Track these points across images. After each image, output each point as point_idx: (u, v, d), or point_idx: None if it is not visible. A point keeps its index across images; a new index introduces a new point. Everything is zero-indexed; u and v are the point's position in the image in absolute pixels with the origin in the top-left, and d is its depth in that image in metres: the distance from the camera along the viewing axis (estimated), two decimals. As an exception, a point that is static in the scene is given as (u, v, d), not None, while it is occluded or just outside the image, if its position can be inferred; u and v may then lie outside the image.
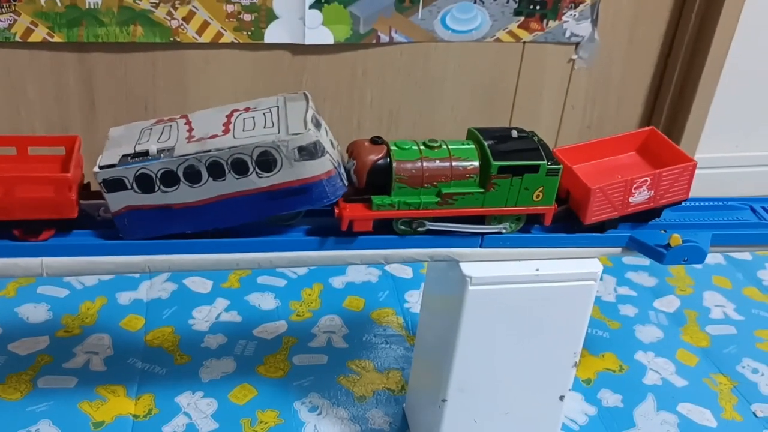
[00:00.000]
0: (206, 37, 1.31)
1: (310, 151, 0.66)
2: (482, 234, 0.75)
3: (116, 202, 0.68)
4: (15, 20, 1.23)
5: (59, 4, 1.22)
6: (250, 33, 1.32)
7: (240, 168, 0.67)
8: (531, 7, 1.42)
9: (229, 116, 0.71)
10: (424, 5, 1.37)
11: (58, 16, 1.23)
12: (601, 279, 1.01)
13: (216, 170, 0.67)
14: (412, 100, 1.48)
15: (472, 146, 0.74)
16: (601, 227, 0.78)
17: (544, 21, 1.44)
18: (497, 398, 0.83)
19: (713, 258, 1.40)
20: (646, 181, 0.76)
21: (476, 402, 0.83)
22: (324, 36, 1.35)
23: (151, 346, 1.07)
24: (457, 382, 0.81)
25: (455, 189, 0.72)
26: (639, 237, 0.79)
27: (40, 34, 1.24)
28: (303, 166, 0.67)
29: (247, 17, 1.31)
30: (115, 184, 0.67)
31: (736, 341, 1.19)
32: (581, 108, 1.56)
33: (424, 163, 0.72)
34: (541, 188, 0.73)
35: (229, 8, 1.29)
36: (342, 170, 0.71)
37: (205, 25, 1.30)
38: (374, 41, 1.38)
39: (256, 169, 0.67)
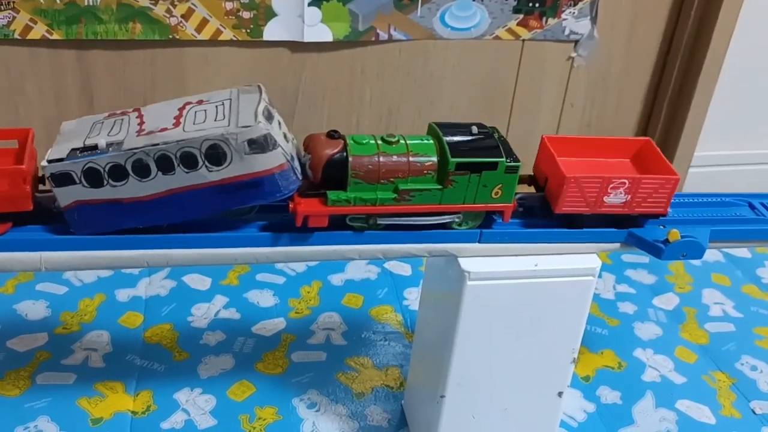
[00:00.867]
0: (205, 35, 1.31)
1: (261, 144, 0.65)
2: (436, 225, 0.75)
3: (65, 196, 0.67)
4: (14, 17, 1.23)
5: (58, 1, 1.22)
6: (249, 30, 1.32)
7: (189, 162, 0.66)
8: (530, 4, 1.42)
9: (181, 109, 0.70)
10: (423, 3, 1.36)
11: (57, 13, 1.23)
12: (600, 276, 1.01)
13: (165, 164, 0.66)
14: (412, 98, 1.48)
15: (431, 142, 0.73)
16: (571, 222, 0.77)
17: (544, 19, 1.44)
18: (496, 394, 0.83)
19: (712, 255, 1.40)
20: (624, 183, 0.75)
21: (475, 398, 0.83)
22: (323, 33, 1.35)
23: (149, 343, 1.07)
24: (456, 378, 0.81)
25: (412, 185, 0.71)
26: (637, 232, 0.79)
27: (39, 31, 1.24)
28: (254, 160, 0.66)
29: (246, 15, 1.31)
30: (63, 179, 0.66)
31: (735, 338, 1.19)
32: (580, 106, 1.56)
33: (381, 159, 0.71)
34: (500, 185, 0.72)
35: (228, 5, 1.29)
36: (296, 164, 0.70)
37: (204, 22, 1.30)
38: (373, 39, 1.38)
39: (206, 163, 0.66)
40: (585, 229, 0.78)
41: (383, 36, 1.38)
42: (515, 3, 1.41)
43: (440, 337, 0.82)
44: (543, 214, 0.78)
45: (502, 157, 0.71)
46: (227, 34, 1.32)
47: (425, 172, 0.72)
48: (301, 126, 1.44)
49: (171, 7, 1.27)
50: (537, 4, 1.42)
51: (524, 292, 0.77)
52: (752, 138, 1.69)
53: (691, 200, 0.87)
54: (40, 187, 0.71)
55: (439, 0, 1.37)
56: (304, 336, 1.11)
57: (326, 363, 1.06)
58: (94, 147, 0.66)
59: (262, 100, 0.68)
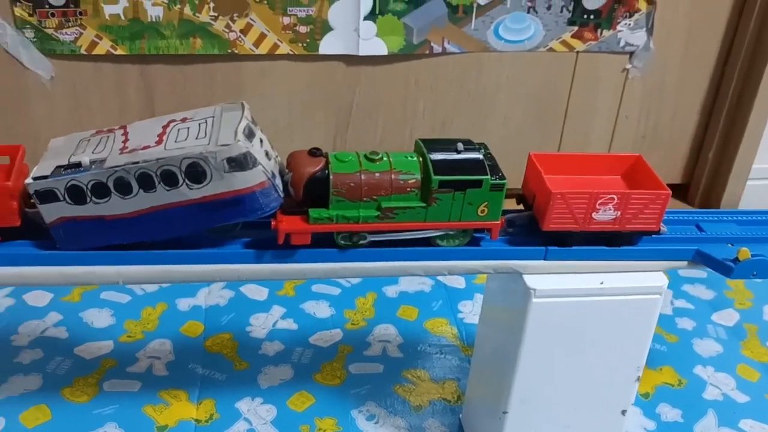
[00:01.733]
0: (263, 49, 1.34)
1: (240, 163, 0.66)
2: (428, 243, 0.74)
3: (50, 213, 0.69)
4: (81, 33, 1.27)
5: (123, 17, 1.26)
6: (305, 45, 1.34)
7: (169, 180, 0.66)
8: (585, 16, 1.41)
9: (165, 127, 0.70)
10: (478, 15, 1.37)
11: (121, 29, 1.27)
12: (661, 292, 1.00)
13: (146, 182, 0.67)
14: (464, 111, 1.48)
15: (415, 159, 0.73)
16: (561, 240, 0.76)
17: (599, 30, 1.43)
18: (558, 411, 0.83)
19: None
20: (613, 199, 0.73)
21: (537, 414, 0.83)
22: (378, 47, 1.37)
23: (210, 352, 1.09)
24: (519, 394, 0.81)
25: (396, 203, 0.71)
26: (706, 250, 0.78)
27: (104, 47, 1.29)
28: (234, 178, 0.66)
29: (303, 29, 1.33)
30: (47, 196, 0.68)
31: (799, 357, 1.16)
32: (635, 118, 1.54)
33: (363, 176, 0.70)
34: (486, 203, 0.72)
35: (286, 20, 1.32)
36: (278, 181, 0.70)
37: (262, 37, 1.32)
38: (427, 52, 1.39)
39: (186, 181, 0.66)
40: (652, 247, 0.77)
41: (437, 49, 1.39)
42: (570, 15, 1.40)
43: (503, 352, 0.82)
44: (531, 233, 0.77)
45: (486, 174, 0.71)
46: (284, 48, 1.34)
47: (408, 189, 0.71)
48: (355, 138, 1.46)
49: (230, 23, 1.30)
50: (592, 16, 1.41)
51: (590, 310, 0.76)
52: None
53: (757, 218, 0.86)
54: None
55: (493, 13, 1.37)
56: (360, 347, 1.12)
57: (383, 375, 1.07)
58: (78, 165, 0.68)
59: (243, 118, 0.68)
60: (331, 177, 0.70)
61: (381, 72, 1.41)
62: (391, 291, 1.25)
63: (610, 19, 1.42)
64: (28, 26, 1.25)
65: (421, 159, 0.72)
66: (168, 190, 0.67)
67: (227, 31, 1.31)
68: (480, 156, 0.72)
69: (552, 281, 0.75)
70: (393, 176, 0.71)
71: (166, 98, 1.36)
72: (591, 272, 0.76)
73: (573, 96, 1.50)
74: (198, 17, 1.28)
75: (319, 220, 0.70)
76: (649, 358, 1.12)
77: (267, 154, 0.70)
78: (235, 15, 1.29)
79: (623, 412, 0.84)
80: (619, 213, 0.74)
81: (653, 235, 0.78)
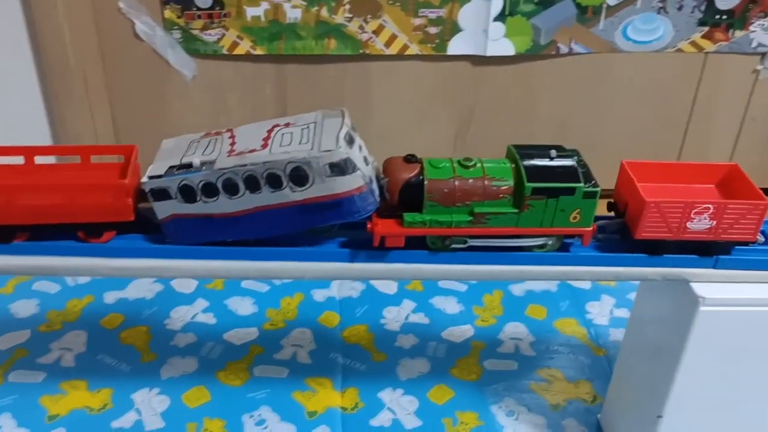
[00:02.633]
0: (393, 50, 1.37)
1: (341, 168, 0.68)
2: (521, 248, 0.74)
3: (162, 210, 0.72)
4: (223, 34, 1.33)
5: (263, 19, 1.32)
6: (434, 45, 1.37)
7: (274, 182, 0.69)
8: (717, 16, 1.39)
9: (269, 131, 0.73)
10: (607, 16, 1.37)
11: (261, 30, 1.33)
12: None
13: (252, 183, 0.70)
14: (586, 111, 1.48)
15: (508, 166, 0.73)
16: (654, 248, 0.75)
17: (730, 31, 1.40)
18: (717, 418, 0.84)
19: None
20: (708, 208, 0.72)
21: (694, 420, 0.83)
22: (505, 47, 1.38)
23: (349, 343, 1.14)
24: (676, 400, 0.82)
25: (488, 209, 0.72)
26: None
27: (244, 47, 1.35)
28: (334, 182, 0.68)
29: (433, 30, 1.36)
30: (161, 194, 0.71)
31: None
32: (763, 120, 1.51)
33: (457, 182, 0.71)
34: (578, 210, 0.71)
35: (417, 21, 1.35)
36: (374, 186, 0.72)
37: (393, 37, 1.36)
38: (553, 52, 1.40)
39: (290, 184, 0.69)
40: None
41: (563, 49, 1.40)
42: (701, 15, 1.38)
43: (660, 358, 0.83)
44: (623, 240, 0.77)
45: (580, 182, 0.71)
46: (413, 49, 1.37)
47: (501, 195, 0.72)
48: (477, 137, 1.48)
49: (363, 24, 1.34)
50: (725, 16, 1.39)
51: (760, 320, 0.76)
52: None
53: None
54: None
55: (622, 13, 1.37)
56: (493, 344, 1.14)
57: (518, 372, 1.09)
58: (189, 165, 0.71)
59: (344, 125, 0.71)
60: (425, 183, 0.71)
61: (506, 72, 1.42)
62: (517, 290, 1.27)
63: (744, 20, 1.39)
64: (175, 27, 1.32)
65: (513, 165, 0.73)
66: (272, 192, 0.70)
67: (360, 32, 1.35)
68: (573, 163, 0.73)
69: (721, 290, 0.76)
70: (486, 182, 0.72)
71: (298, 97, 1.42)
72: (760, 282, 0.77)
73: (698, 97, 1.48)
74: (333, 19, 1.33)
75: (414, 224, 0.72)
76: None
77: (365, 159, 0.73)
78: (368, 16, 1.33)
79: (780, 423, 0.84)
80: (714, 223, 0.73)
81: (749, 245, 0.77)
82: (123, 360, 1.08)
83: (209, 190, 0.71)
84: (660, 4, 1.36)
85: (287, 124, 0.73)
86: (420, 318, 1.20)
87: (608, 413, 1.00)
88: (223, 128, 0.78)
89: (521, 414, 1.02)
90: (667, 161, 0.80)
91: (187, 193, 0.71)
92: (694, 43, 1.41)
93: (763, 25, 1.39)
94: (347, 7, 1.32)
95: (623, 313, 1.23)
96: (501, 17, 1.35)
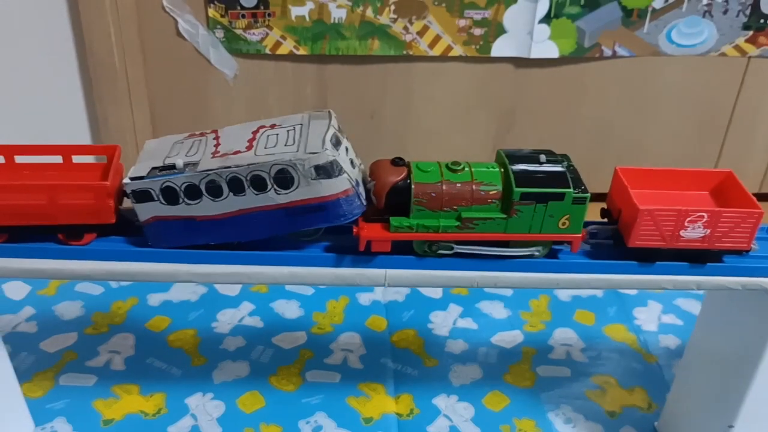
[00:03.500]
0: (437, 51, 1.36)
1: (327, 170, 0.67)
2: (509, 258, 0.73)
3: (144, 212, 0.71)
4: (267, 34, 1.32)
5: (308, 18, 1.31)
6: (478, 47, 1.36)
7: (259, 184, 0.68)
8: (762, 20, 1.38)
9: (255, 133, 0.72)
10: (652, 19, 1.36)
11: (305, 30, 1.32)
12: None
13: (236, 185, 0.68)
14: (626, 115, 1.47)
15: (497, 170, 0.72)
16: (648, 257, 0.74)
17: (774, 35, 1.39)
18: (790, 429, 0.83)
19: None
20: (702, 217, 0.71)
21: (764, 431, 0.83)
22: (549, 50, 1.37)
23: (398, 348, 1.13)
24: (750, 410, 0.81)
25: (476, 214, 0.71)
26: None
27: (287, 47, 1.33)
28: (320, 185, 0.67)
29: (478, 31, 1.34)
30: (143, 195, 0.70)
31: None
32: (803, 125, 1.50)
33: (444, 186, 0.70)
34: (568, 216, 0.70)
35: (461, 23, 1.33)
36: (361, 189, 0.71)
37: (437, 39, 1.35)
38: (597, 55, 1.39)
39: (274, 186, 0.68)
40: None
41: (607, 52, 1.39)
42: (746, 19, 1.37)
43: (733, 367, 0.82)
44: (615, 247, 0.76)
45: (569, 187, 0.70)
46: (457, 50, 1.36)
47: (489, 200, 0.71)
48: (517, 139, 1.47)
49: (408, 25, 1.33)
50: (769, 21, 1.38)
51: (842, 331, 0.76)
52: None
53: None
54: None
55: (667, 17, 1.36)
56: (544, 350, 1.13)
57: (571, 379, 1.08)
58: (172, 167, 0.70)
59: (331, 127, 0.69)
60: (412, 186, 0.70)
61: (548, 74, 1.41)
62: (563, 294, 1.26)
63: (788, 24, 1.38)
64: (219, 27, 1.31)
65: (502, 170, 0.72)
66: (257, 194, 0.69)
67: (404, 32, 1.34)
68: (562, 168, 0.72)
69: (803, 300, 0.75)
70: (474, 187, 0.71)
71: (339, 97, 1.40)
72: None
73: (739, 102, 1.47)
74: (378, 19, 1.32)
75: (400, 229, 0.71)
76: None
77: (352, 162, 0.72)
78: (413, 17, 1.32)
79: None
80: (708, 231, 0.72)
81: (743, 254, 0.76)
82: (173, 364, 1.07)
83: (192, 191, 0.69)
84: (705, 8, 1.35)
85: (273, 126, 0.72)
86: (468, 323, 1.19)
87: (668, 421, 0.99)
88: (207, 130, 0.76)
89: (578, 422, 1.01)
90: (662, 168, 0.79)
91: (170, 195, 0.70)
92: (737, 47, 1.40)
93: (808, 29, 1.39)
94: (392, 7, 1.30)
95: (671, 319, 1.22)
96: (546, 19, 1.34)
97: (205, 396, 1.01)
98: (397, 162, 0.72)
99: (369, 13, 1.31)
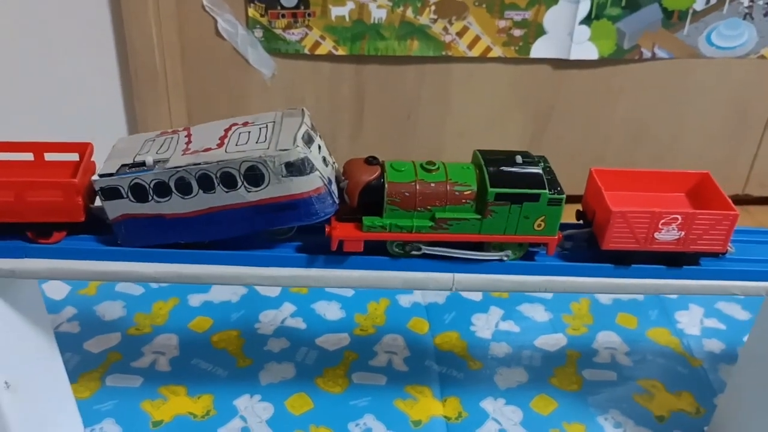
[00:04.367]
0: (476, 52, 1.35)
1: (298, 168, 0.66)
2: (481, 261, 0.72)
3: (113, 209, 0.70)
4: (306, 34, 1.31)
5: (347, 19, 1.30)
6: (517, 48, 1.35)
7: (228, 182, 0.67)
8: (802, 23, 1.37)
9: (227, 130, 0.71)
10: (692, 21, 1.35)
11: (344, 30, 1.31)
12: None
13: (206, 183, 0.68)
14: (663, 117, 1.46)
15: (472, 170, 0.71)
16: (623, 259, 0.73)
17: (814, 38, 1.38)
18: None
19: None
20: (677, 219, 0.70)
21: (830, 438, 0.82)
22: (589, 51, 1.36)
23: (442, 350, 1.12)
24: (813, 416, 0.81)
25: (450, 214, 0.70)
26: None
27: (326, 47, 1.33)
28: (291, 182, 0.67)
29: (517, 33, 1.34)
30: (112, 193, 0.69)
31: None
32: (841, 128, 1.49)
33: (418, 186, 0.69)
34: (543, 217, 0.70)
35: (501, 24, 1.33)
36: (334, 188, 0.70)
37: (477, 39, 1.34)
38: (636, 57, 1.38)
39: (245, 184, 0.67)
40: None
41: (646, 54, 1.38)
42: (786, 21, 1.36)
43: (795, 373, 0.81)
44: (590, 250, 0.75)
45: (544, 188, 0.69)
46: (496, 51, 1.35)
47: (464, 201, 0.70)
48: (553, 140, 1.46)
49: (448, 25, 1.32)
50: (810, 23, 1.37)
51: None
52: None
53: None
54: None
55: (708, 18, 1.35)
56: (588, 354, 1.13)
57: (617, 383, 1.07)
58: (142, 164, 0.69)
59: (303, 124, 0.69)
60: (386, 186, 0.69)
61: (586, 76, 1.40)
62: (604, 298, 1.26)
63: (828, 27, 1.37)
64: (258, 26, 1.30)
65: (477, 170, 0.71)
66: (227, 192, 0.68)
67: (444, 33, 1.33)
68: (538, 169, 0.71)
69: None
70: (448, 187, 0.70)
71: (376, 97, 1.40)
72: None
73: (777, 104, 1.46)
74: (418, 19, 1.31)
75: (373, 228, 0.70)
76: None
77: (324, 160, 0.71)
78: (453, 18, 1.32)
79: None
80: (683, 233, 0.71)
81: (720, 256, 0.75)
82: (218, 365, 1.06)
83: (161, 189, 0.69)
84: (746, 10, 1.34)
85: (246, 123, 0.72)
86: (510, 326, 1.19)
87: (719, 426, 0.98)
88: (179, 128, 0.76)
89: (628, 426, 1.00)
90: (638, 169, 0.78)
91: (139, 193, 0.69)
92: (776, 50, 1.40)
93: None
94: (433, 8, 1.30)
95: (713, 323, 1.21)
96: (587, 20, 1.33)
97: (253, 398, 1.01)
98: (371, 161, 0.71)
99: (409, 13, 1.30)
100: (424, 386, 1.05)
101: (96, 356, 1.07)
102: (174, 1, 1.26)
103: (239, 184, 0.67)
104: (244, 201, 0.68)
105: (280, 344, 1.11)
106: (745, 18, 1.36)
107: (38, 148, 0.75)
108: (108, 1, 1.25)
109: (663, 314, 1.22)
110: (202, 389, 1.02)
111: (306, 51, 1.33)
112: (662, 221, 0.71)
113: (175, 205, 0.70)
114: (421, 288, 0.75)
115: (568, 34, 1.34)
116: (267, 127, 0.70)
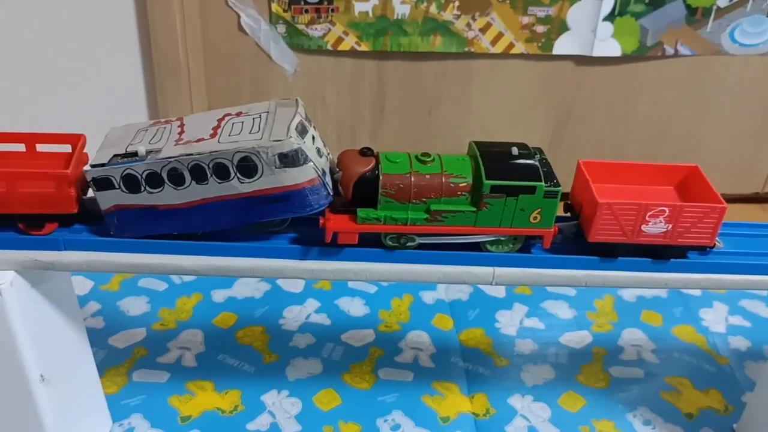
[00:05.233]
0: (498, 48, 1.35)
1: (291, 159, 0.65)
2: (479, 248, 0.71)
3: (105, 200, 0.70)
4: (329, 29, 1.31)
5: (371, 14, 1.30)
6: (540, 44, 1.35)
7: (221, 172, 0.67)
8: (826, 20, 1.36)
9: (220, 120, 0.70)
10: (716, 18, 1.34)
11: (368, 26, 1.31)
12: None
13: (198, 173, 0.67)
14: (684, 115, 1.46)
15: (468, 162, 0.70)
16: (610, 252, 0.73)
17: (837, 35, 1.38)
18: None
19: None
20: (664, 211, 0.70)
21: None
22: (612, 48, 1.36)
23: (467, 347, 1.12)
24: None
25: (445, 206, 0.69)
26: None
27: (349, 42, 1.32)
28: (284, 173, 0.66)
29: (540, 29, 1.33)
30: (104, 183, 0.69)
31: None
32: None
33: (413, 178, 0.69)
34: (539, 210, 0.69)
35: (525, 20, 1.32)
36: (328, 179, 0.70)
37: (500, 36, 1.34)
38: (659, 54, 1.38)
39: (238, 174, 0.66)
40: None
41: (669, 51, 1.37)
42: (810, 19, 1.36)
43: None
44: (577, 243, 0.74)
45: (540, 180, 0.68)
46: (519, 48, 1.35)
47: (459, 193, 0.69)
48: (574, 136, 1.46)
49: (471, 21, 1.32)
50: (833, 20, 1.36)
51: None
52: None
53: None
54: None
55: (732, 15, 1.34)
56: (614, 351, 1.12)
57: (644, 380, 1.07)
58: (134, 154, 0.68)
59: (297, 114, 0.68)
60: (380, 177, 0.69)
61: (608, 73, 1.40)
62: (627, 294, 1.25)
63: None
64: (281, 21, 1.30)
65: (473, 162, 0.71)
66: (219, 183, 0.67)
67: (467, 29, 1.32)
68: (535, 162, 0.70)
69: None
70: (444, 179, 0.69)
71: (397, 93, 1.39)
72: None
73: (799, 102, 1.46)
74: (441, 15, 1.31)
75: (367, 221, 0.69)
76: None
77: (319, 151, 0.70)
78: (476, 14, 1.31)
79: None
80: (670, 226, 0.71)
81: (707, 250, 0.74)
82: (245, 360, 1.06)
83: (154, 179, 0.68)
84: (770, 7, 1.34)
85: (239, 113, 0.71)
86: (534, 323, 1.18)
87: (748, 424, 0.98)
88: (172, 117, 0.75)
89: (658, 423, 1.00)
90: (627, 161, 0.78)
91: (131, 183, 0.68)
92: (800, 47, 1.39)
93: None
94: (456, 3, 1.29)
95: (738, 320, 1.21)
96: (610, 17, 1.32)
97: (280, 393, 1.00)
98: (366, 152, 0.71)
99: (433, 9, 1.30)
100: (451, 383, 1.05)
101: (122, 351, 1.07)
102: (198, -5, 1.26)
103: (232, 174, 0.67)
104: (237, 192, 0.68)
105: (305, 340, 1.11)
106: (768, 15, 1.35)
107: (30, 139, 0.75)
108: (133, -4, 1.25)
109: (687, 312, 1.22)
110: (229, 385, 1.01)
111: (329, 47, 1.33)
112: (649, 213, 0.70)
113: (167, 196, 0.69)
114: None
115: (591, 31, 1.34)
116: (260, 117, 0.69)
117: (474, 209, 0.70)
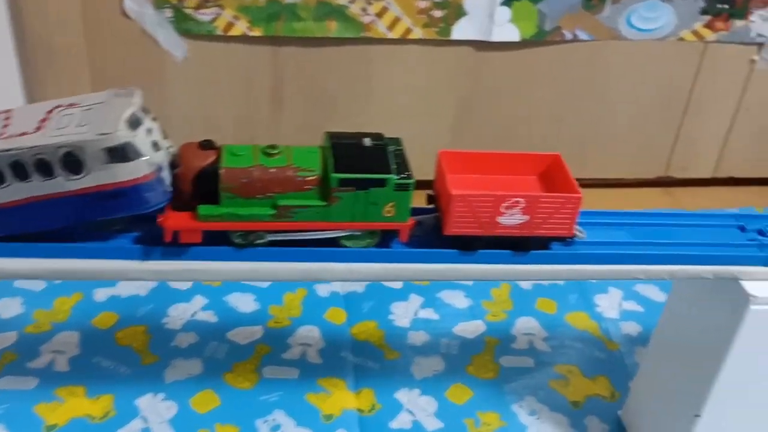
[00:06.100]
0: (396, 33, 1.32)
1: (121, 154, 0.61)
2: (332, 243, 0.70)
3: None
4: (219, 14, 1.26)
5: (261, -2, 1.25)
6: (438, 29, 1.32)
7: (44, 169, 0.63)
8: (719, 5, 1.38)
9: (49, 113, 0.66)
10: (613, 2, 1.34)
11: (259, 10, 1.26)
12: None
13: (19, 171, 0.63)
14: (584, 99, 1.46)
15: (317, 154, 0.68)
16: (468, 245, 0.71)
17: (731, 20, 1.39)
18: (754, 417, 0.83)
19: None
20: (519, 202, 0.68)
21: (734, 420, 0.82)
22: (510, 33, 1.34)
23: (358, 340, 1.10)
24: (717, 399, 0.80)
25: (293, 201, 0.67)
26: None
27: (240, 28, 1.27)
28: (115, 169, 0.62)
29: (437, 13, 1.31)
30: None
31: None
32: (757, 111, 1.51)
33: (257, 172, 0.66)
34: (392, 204, 0.67)
35: (421, 4, 1.30)
36: (166, 174, 0.67)
37: (396, 20, 1.31)
38: (558, 39, 1.37)
39: (63, 171, 0.63)
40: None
41: (568, 36, 1.37)
42: (704, 4, 1.37)
43: (700, 356, 0.81)
44: (438, 235, 0.72)
45: (390, 173, 0.67)
46: (417, 33, 1.32)
47: (307, 187, 0.67)
48: (477, 123, 1.44)
49: (366, 5, 1.28)
50: (726, 6, 1.38)
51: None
52: None
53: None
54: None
55: (628, 0, 1.34)
56: (507, 340, 1.12)
57: (535, 369, 1.07)
58: None
59: (131, 105, 0.64)
60: (220, 172, 0.65)
61: (508, 58, 1.38)
62: (525, 283, 1.24)
63: (744, 9, 1.39)
64: (167, 6, 1.24)
65: (324, 154, 0.69)
66: (44, 180, 0.63)
67: (363, 14, 1.29)
68: (386, 153, 0.69)
69: (771, 289, 0.74)
70: (290, 173, 0.67)
71: (295, 81, 1.35)
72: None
73: (696, 86, 1.47)
74: (335, 0, 1.27)
75: (209, 218, 0.66)
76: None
77: (156, 144, 0.66)
78: (372, -2, 1.28)
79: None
80: (528, 217, 0.69)
81: (567, 240, 0.73)
82: (122, 363, 1.01)
83: None
84: (665, -8, 1.34)
85: (72, 105, 0.66)
86: (429, 313, 1.16)
87: (632, 410, 0.98)
88: (3, 109, 0.70)
89: (543, 413, 0.99)
90: (488, 151, 0.75)
91: None
92: (695, 32, 1.40)
93: (763, 15, 1.39)
94: (350, -13, 1.26)
95: (632, 305, 1.21)
96: (508, 2, 1.31)
97: (156, 396, 0.96)
98: (205, 144, 0.67)
99: (325, -7, 1.26)
100: (338, 379, 1.02)
101: (-13, 357, 1.01)
102: (73, -23, 1.19)
103: (57, 171, 0.62)
104: (64, 190, 0.63)
105: (188, 339, 1.06)
106: (664, 0, 1.35)
107: None
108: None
109: (582, 298, 1.22)
110: (102, 389, 0.97)
111: (219, 32, 1.27)
112: (505, 205, 0.68)
113: None
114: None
115: (488, 16, 1.32)
116: (92, 108, 0.64)
117: (324, 204, 0.67)
